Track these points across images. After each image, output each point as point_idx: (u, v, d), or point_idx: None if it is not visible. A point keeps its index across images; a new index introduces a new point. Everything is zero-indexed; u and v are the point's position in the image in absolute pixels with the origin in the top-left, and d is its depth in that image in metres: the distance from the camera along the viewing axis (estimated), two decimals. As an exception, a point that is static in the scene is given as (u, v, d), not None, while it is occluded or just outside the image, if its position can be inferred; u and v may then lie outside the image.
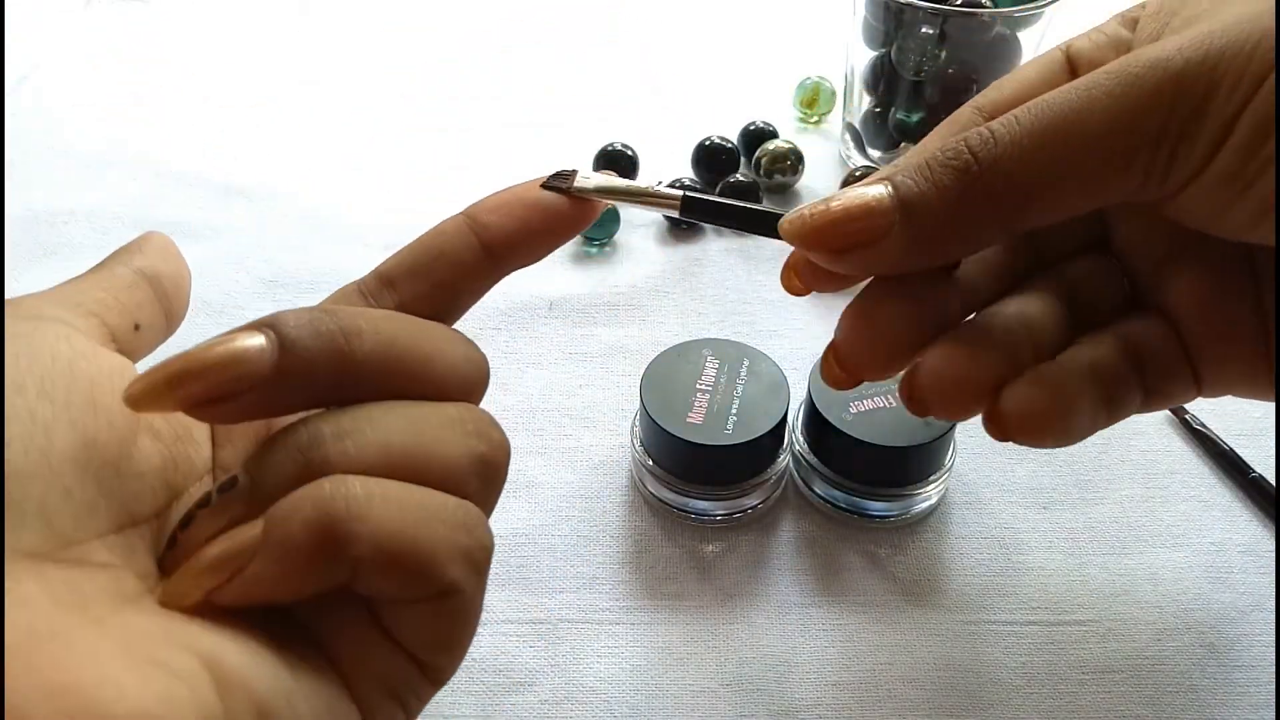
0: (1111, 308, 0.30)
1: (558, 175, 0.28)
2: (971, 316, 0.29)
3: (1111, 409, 0.28)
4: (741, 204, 0.29)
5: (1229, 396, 0.30)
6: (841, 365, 0.28)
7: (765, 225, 0.28)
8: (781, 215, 0.27)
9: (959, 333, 0.28)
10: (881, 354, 0.27)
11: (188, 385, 0.21)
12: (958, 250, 0.27)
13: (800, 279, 0.29)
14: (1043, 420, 0.26)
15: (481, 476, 0.23)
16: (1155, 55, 0.23)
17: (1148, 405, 0.29)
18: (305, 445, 0.22)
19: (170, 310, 0.26)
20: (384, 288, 0.26)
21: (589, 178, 0.28)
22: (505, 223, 0.26)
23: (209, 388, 0.21)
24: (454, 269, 0.26)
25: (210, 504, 0.22)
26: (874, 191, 0.25)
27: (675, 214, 0.29)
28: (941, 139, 0.27)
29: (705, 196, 0.29)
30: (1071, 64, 0.29)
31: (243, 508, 0.22)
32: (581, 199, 0.27)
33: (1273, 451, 0.45)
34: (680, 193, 0.29)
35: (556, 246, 0.28)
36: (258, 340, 0.22)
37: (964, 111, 0.30)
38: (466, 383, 0.24)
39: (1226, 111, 0.23)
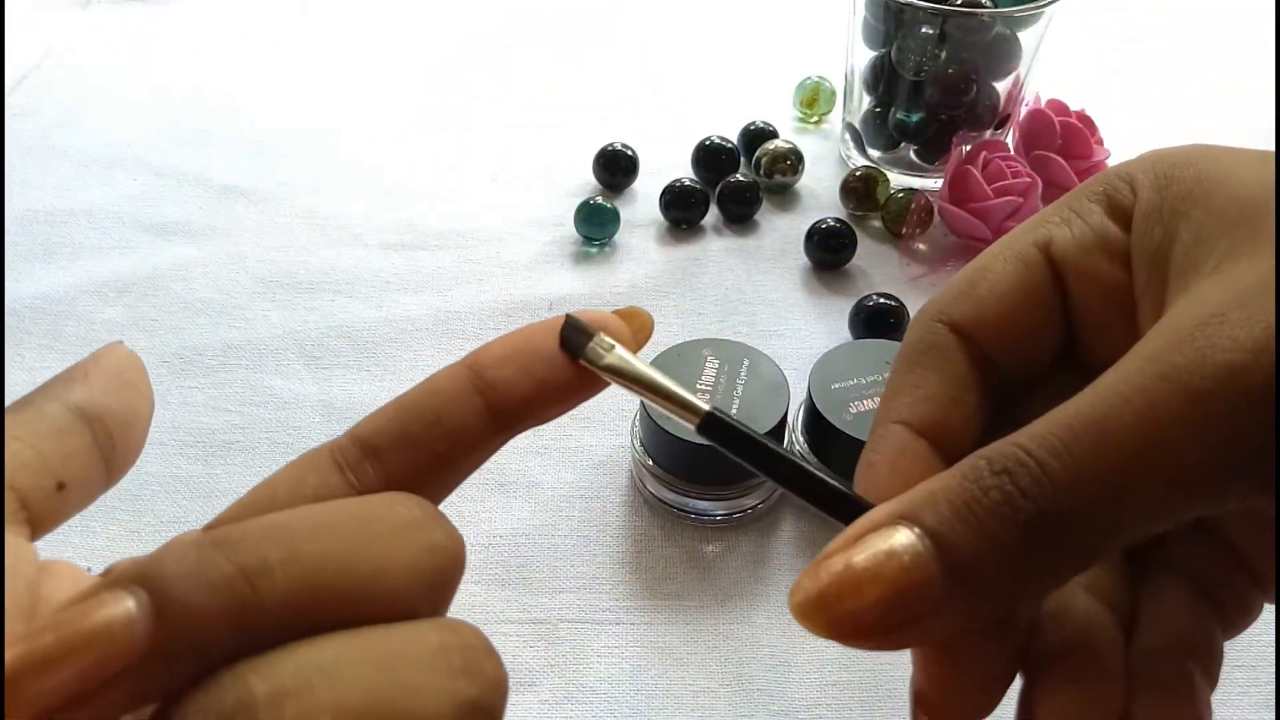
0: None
1: (574, 330, 0.22)
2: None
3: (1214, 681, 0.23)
4: (772, 445, 0.22)
5: None
6: (936, 717, 0.22)
7: (798, 483, 0.22)
8: (822, 478, 0.22)
9: (1061, 663, 0.22)
10: (982, 695, 0.22)
11: (12, 697, 0.14)
12: (1025, 605, 0.22)
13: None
14: None
15: None
16: (1223, 361, 0.19)
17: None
18: (229, 714, 0.15)
19: (113, 458, 0.20)
20: (366, 458, 0.21)
21: (610, 347, 0.22)
22: (517, 380, 0.22)
23: (45, 694, 0.15)
24: (455, 439, 0.21)
25: None
26: (901, 542, 0.19)
27: (692, 427, 0.23)
28: (922, 401, 0.23)
29: (733, 423, 0.22)
30: (1054, 266, 0.24)
31: None
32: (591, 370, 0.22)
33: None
34: (706, 407, 0.22)
35: (573, 407, 0.23)
36: (123, 607, 0.15)
37: (929, 326, 0.24)
38: (432, 584, 0.18)
39: None
